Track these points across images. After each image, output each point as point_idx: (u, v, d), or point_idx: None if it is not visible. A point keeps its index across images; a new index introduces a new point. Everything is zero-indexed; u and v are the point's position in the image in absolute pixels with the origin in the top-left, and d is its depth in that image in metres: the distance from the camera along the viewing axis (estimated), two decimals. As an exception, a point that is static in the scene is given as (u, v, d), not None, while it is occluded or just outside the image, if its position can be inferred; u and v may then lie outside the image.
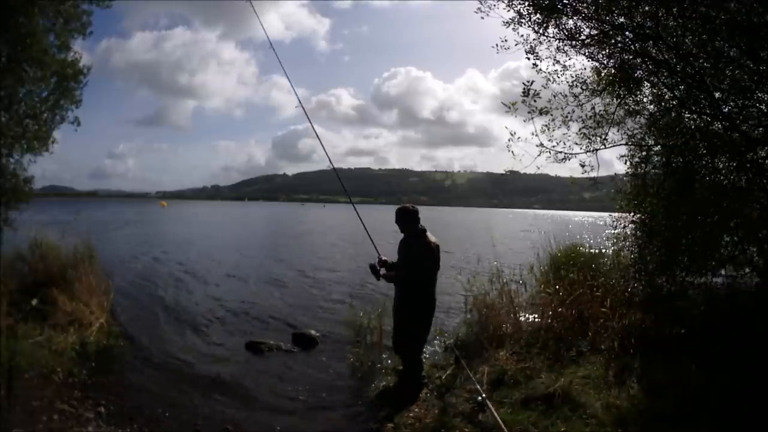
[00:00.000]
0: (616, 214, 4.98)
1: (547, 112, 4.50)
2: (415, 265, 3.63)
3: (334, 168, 4.19)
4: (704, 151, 4.02)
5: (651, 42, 3.85)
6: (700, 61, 3.76)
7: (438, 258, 3.70)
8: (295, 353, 5.14)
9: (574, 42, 4.20)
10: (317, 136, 3.97)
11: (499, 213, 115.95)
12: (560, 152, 4.66)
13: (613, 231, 5.05)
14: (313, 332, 5.66)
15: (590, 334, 4.07)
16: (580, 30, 4.16)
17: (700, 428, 2.62)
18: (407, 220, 3.73)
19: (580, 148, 4.66)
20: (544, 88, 4.47)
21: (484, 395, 3.23)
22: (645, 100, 4.47)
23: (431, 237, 3.69)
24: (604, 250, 5.99)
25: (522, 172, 5.20)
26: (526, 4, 4.11)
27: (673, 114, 4.21)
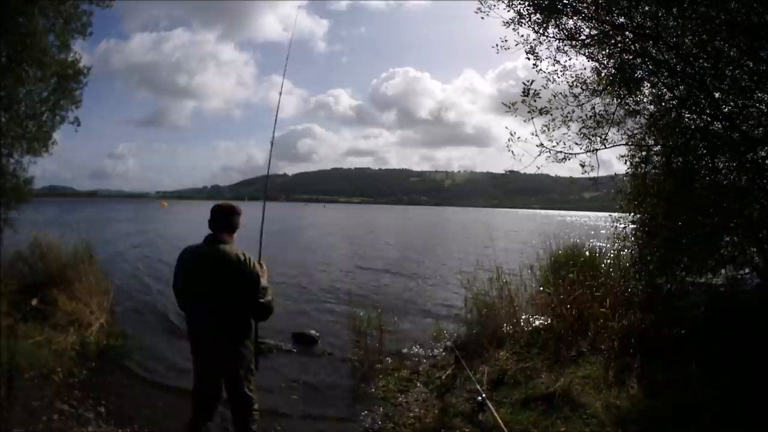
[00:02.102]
0: (615, 214, 4.98)
1: (547, 112, 4.50)
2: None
3: (267, 175, 3.53)
4: (704, 151, 4.01)
5: (651, 42, 3.84)
6: (700, 61, 3.76)
7: (194, 271, 2.45)
8: (295, 353, 5.14)
9: (574, 42, 4.19)
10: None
11: (498, 213, 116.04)
12: (560, 152, 4.65)
13: (612, 231, 5.04)
14: (312, 332, 5.66)
15: (590, 334, 4.08)
16: (580, 30, 4.15)
17: (700, 428, 2.62)
18: (211, 222, 2.50)
19: (580, 148, 4.65)
20: (544, 88, 4.46)
21: (484, 395, 3.23)
22: (645, 100, 4.46)
23: (205, 246, 2.47)
24: (603, 251, 5.98)
25: (522, 172, 5.19)
26: (526, 4, 4.11)
27: (673, 114, 4.20)
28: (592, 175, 4.71)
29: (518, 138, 4.55)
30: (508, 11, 4.21)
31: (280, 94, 3.45)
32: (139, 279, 9.20)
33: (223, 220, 2.50)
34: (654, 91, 4.34)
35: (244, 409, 2.54)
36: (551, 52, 4.33)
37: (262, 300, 2.39)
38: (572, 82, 4.51)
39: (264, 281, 2.44)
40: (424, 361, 4.57)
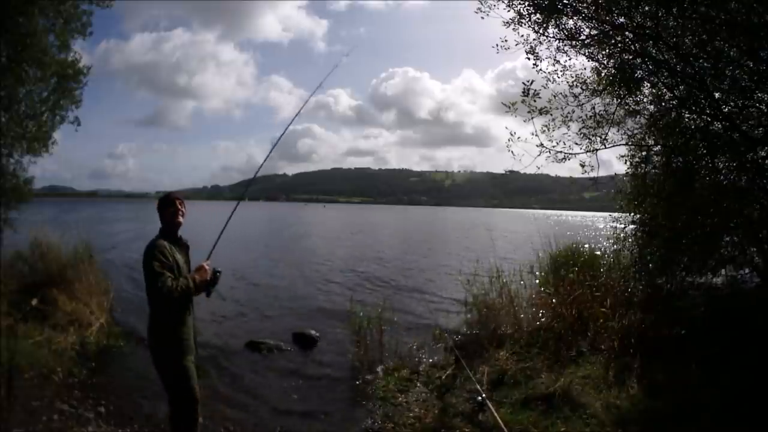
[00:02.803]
0: (616, 214, 4.98)
1: (547, 112, 4.50)
2: None
3: (246, 181, 3.61)
4: (704, 151, 4.01)
5: (651, 42, 3.84)
6: (700, 61, 3.76)
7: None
8: (295, 353, 5.14)
9: (574, 42, 4.19)
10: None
11: (498, 213, 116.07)
12: (560, 152, 4.65)
13: (612, 231, 5.04)
14: (312, 332, 5.66)
15: (590, 334, 4.08)
16: (580, 30, 4.15)
17: (700, 428, 2.62)
18: None
19: (580, 148, 4.66)
20: (544, 88, 4.47)
21: (484, 395, 3.23)
22: (645, 100, 4.46)
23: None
24: (604, 251, 5.99)
25: (522, 172, 5.19)
26: (527, 4, 4.11)
27: (673, 114, 4.21)
28: (592, 175, 4.72)
29: (518, 138, 4.56)
30: (508, 11, 4.22)
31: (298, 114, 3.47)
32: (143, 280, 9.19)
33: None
34: (654, 91, 4.34)
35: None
36: (551, 52, 4.34)
37: (160, 285, 2.30)
38: (572, 82, 4.52)
39: (157, 267, 2.34)
40: (424, 361, 4.57)
